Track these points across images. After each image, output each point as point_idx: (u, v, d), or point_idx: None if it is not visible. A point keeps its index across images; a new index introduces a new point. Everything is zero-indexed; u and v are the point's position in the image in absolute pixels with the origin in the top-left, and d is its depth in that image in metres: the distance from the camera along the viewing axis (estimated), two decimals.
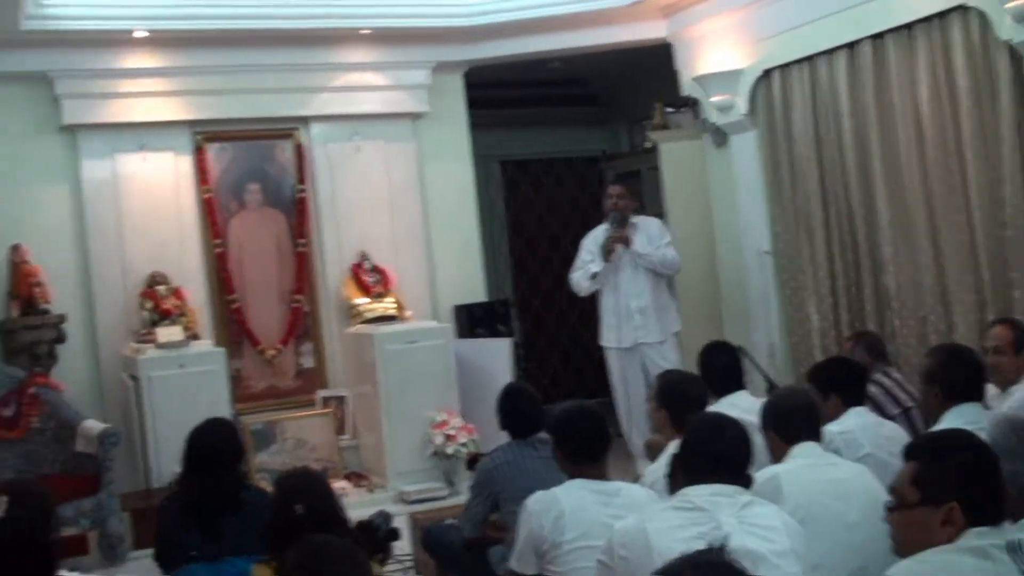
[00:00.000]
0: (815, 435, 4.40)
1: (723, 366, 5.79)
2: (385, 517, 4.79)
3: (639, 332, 8.37)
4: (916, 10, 7.14)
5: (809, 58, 8.07)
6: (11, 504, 3.37)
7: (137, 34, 8.61)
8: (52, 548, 3.46)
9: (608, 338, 8.54)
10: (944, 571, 2.90)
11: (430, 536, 6.16)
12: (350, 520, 4.23)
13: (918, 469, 3.04)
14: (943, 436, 3.39)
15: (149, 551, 5.21)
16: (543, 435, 5.48)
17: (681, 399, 4.96)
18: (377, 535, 4.40)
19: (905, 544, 3.05)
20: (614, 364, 8.50)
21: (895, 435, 5.01)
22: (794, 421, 4.38)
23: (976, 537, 2.91)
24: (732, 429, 3.70)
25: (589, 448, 4.36)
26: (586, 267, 8.51)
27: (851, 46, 7.71)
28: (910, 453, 3.15)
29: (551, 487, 4.95)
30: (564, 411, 4.53)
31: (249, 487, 5.19)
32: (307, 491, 4.10)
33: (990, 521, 2.95)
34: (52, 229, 8.71)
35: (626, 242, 8.31)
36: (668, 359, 8.21)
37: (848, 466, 4.34)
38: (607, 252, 8.32)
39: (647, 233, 8.43)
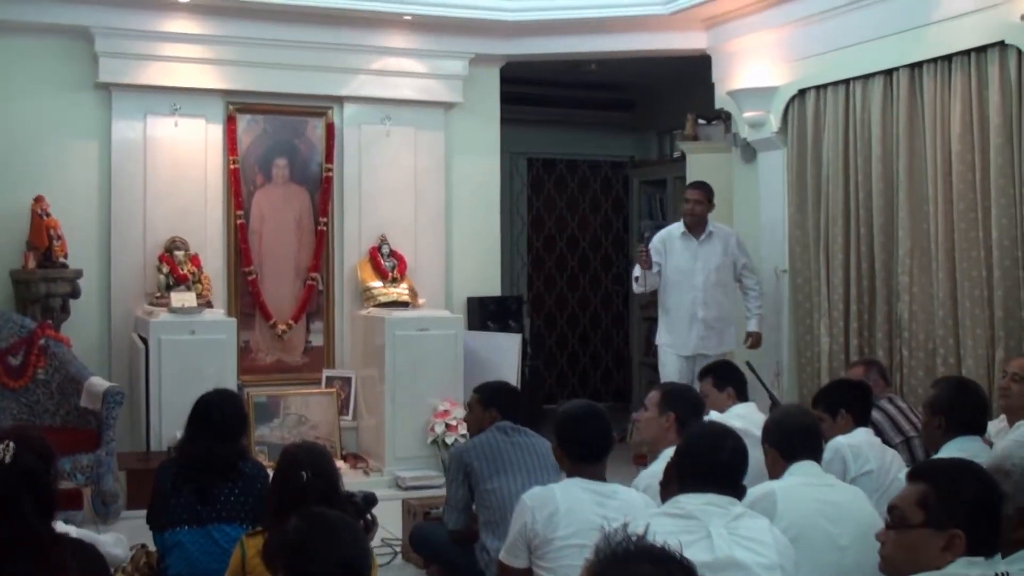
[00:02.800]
0: (815, 455, 4.41)
1: (741, 374, 5.86)
2: (360, 492, 4.84)
3: (700, 343, 8.25)
4: (955, 43, 7.12)
5: (845, 81, 8.06)
6: (18, 448, 3.39)
7: None
8: (54, 495, 3.48)
9: (667, 340, 8.44)
10: None
11: (417, 534, 6.18)
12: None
13: (927, 492, 3.05)
14: (955, 464, 3.37)
15: (141, 512, 5.24)
16: (508, 423, 5.68)
17: (690, 403, 5.02)
18: (355, 500, 4.46)
19: (895, 563, 3.07)
20: (671, 366, 8.36)
21: (896, 462, 5.03)
22: (796, 439, 4.39)
23: (966, 566, 2.93)
24: (730, 439, 3.72)
25: (590, 448, 4.37)
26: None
27: (888, 73, 7.70)
28: (918, 475, 3.15)
29: (521, 468, 5.04)
30: (570, 409, 4.54)
31: (247, 459, 5.22)
32: (313, 462, 4.16)
33: (986, 554, 2.96)
34: (77, 185, 8.77)
35: (647, 263, 8.26)
36: None
37: (844, 488, 4.34)
38: (641, 262, 8.28)
39: (724, 245, 8.33)
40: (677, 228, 8.45)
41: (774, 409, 6.09)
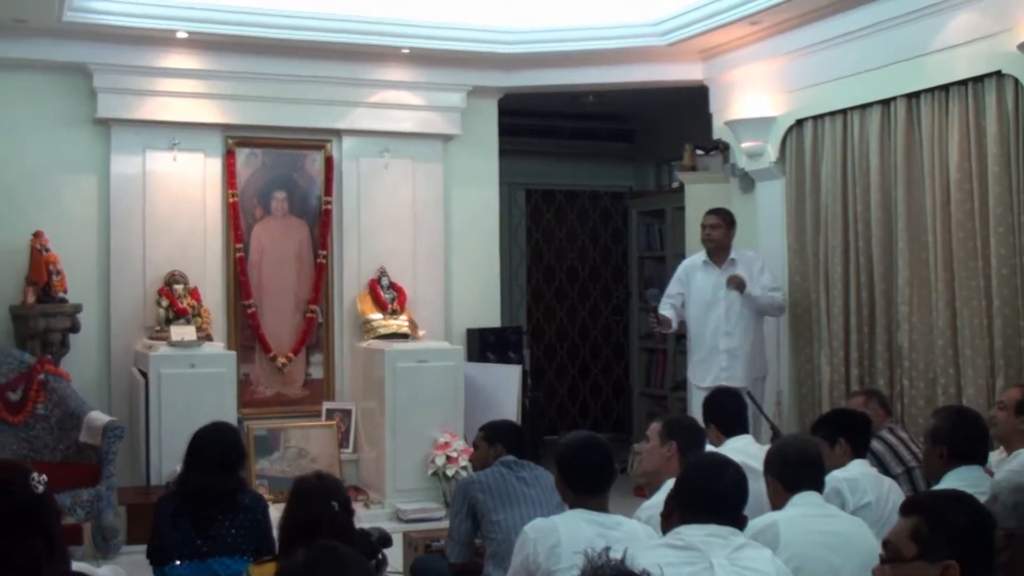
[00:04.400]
0: (817, 486, 4.40)
1: (729, 408, 5.80)
2: (376, 530, 4.82)
3: (723, 374, 8.09)
4: (952, 73, 7.14)
5: (842, 111, 8.07)
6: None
7: (179, 35, 8.66)
8: None
9: (693, 374, 8.38)
10: None
11: (418, 567, 6.14)
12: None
13: (918, 524, 3.04)
14: (945, 495, 3.37)
15: (142, 547, 5.22)
16: (512, 458, 5.65)
17: (691, 433, 5.01)
18: (371, 539, 4.43)
19: None
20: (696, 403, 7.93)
21: (893, 492, 5.01)
22: (799, 469, 4.38)
23: None
24: (730, 470, 3.71)
25: (593, 479, 4.34)
26: (664, 305, 8.31)
27: (886, 103, 7.70)
28: (909, 508, 3.15)
29: (527, 500, 5.01)
30: (571, 440, 4.52)
31: (247, 491, 5.22)
32: (339, 494, 4.14)
33: None
34: (76, 219, 8.78)
35: (662, 327, 8.29)
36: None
37: (847, 519, 4.33)
38: (658, 324, 8.26)
39: (748, 271, 8.18)
40: (699, 257, 8.38)
41: (776, 440, 6.08)
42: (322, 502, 4.07)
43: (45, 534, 3.32)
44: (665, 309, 8.33)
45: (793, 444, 4.70)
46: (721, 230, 8.25)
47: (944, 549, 2.97)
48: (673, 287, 8.46)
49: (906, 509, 3.17)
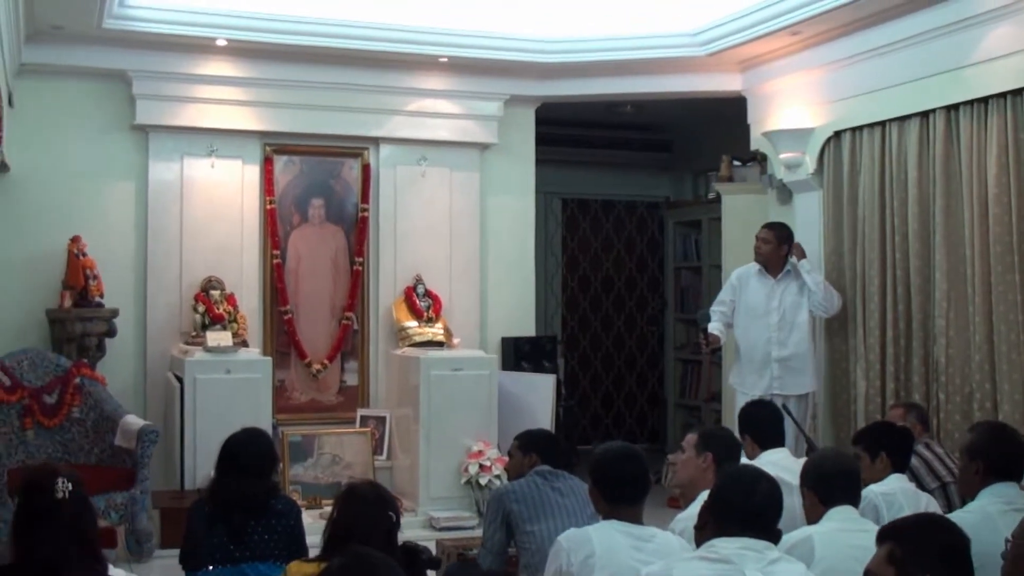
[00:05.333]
0: (853, 500, 4.38)
1: (765, 420, 5.76)
2: (427, 549, 4.80)
3: (775, 383, 8.08)
4: (991, 85, 7.09)
5: (881, 123, 8.03)
6: (76, 483, 3.46)
7: (218, 43, 8.70)
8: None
9: (738, 381, 8.33)
10: None
11: (451, 575, 6.13)
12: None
13: (892, 548, 3.14)
14: (914, 520, 3.47)
15: (175, 551, 5.25)
16: (547, 468, 5.64)
17: (727, 444, 4.99)
18: (420, 558, 4.40)
19: None
20: None
21: (931, 508, 4.97)
22: (835, 482, 4.36)
23: None
24: (764, 483, 3.68)
25: (628, 490, 4.33)
26: (714, 314, 8.36)
27: (924, 115, 7.66)
28: (883, 536, 3.23)
29: (561, 510, 5.01)
30: (607, 450, 4.51)
31: (280, 496, 5.22)
32: (393, 504, 4.14)
33: None
34: (114, 225, 8.83)
35: (711, 345, 8.38)
36: (801, 416, 7.86)
37: None
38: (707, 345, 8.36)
39: (800, 283, 8.19)
40: (755, 266, 8.36)
41: (810, 453, 6.04)
42: (379, 511, 4.05)
43: (69, 537, 3.34)
44: (715, 320, 8.33)
45: (830, 457, 4.69)
46: (771, 246, 8.23)
47: (921, 567, 3.08)
48: (725, 294, 8.47)
49: (880, 538, 3.25)
